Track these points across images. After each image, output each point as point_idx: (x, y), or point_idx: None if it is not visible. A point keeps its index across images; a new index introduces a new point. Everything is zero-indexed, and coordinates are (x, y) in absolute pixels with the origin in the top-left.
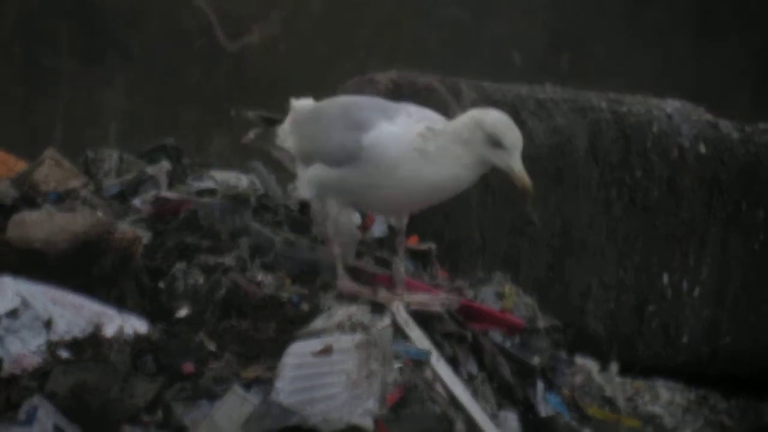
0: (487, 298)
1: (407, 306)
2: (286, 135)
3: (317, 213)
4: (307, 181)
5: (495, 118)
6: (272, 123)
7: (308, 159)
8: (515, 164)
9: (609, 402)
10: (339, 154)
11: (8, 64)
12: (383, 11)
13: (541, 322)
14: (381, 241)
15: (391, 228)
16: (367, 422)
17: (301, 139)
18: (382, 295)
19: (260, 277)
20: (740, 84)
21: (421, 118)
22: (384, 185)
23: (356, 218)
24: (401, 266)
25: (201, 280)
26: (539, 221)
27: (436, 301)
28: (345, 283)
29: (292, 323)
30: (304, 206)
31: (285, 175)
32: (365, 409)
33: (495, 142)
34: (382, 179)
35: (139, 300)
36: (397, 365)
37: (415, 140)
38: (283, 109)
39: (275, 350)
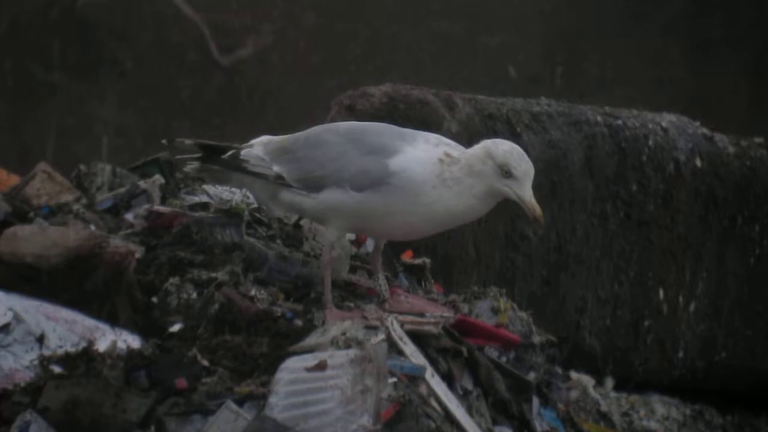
0: (482, 313)
1: (401, 325)
2: (266, 162)
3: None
4: (314, 205)
5: (506, 149)
6: (214, 150)
7: (314, 184)
8: (525, 194)
9: (604, 417)
10: (362, 179)
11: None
12: (376, 25)
13: (537, 337)
14: None
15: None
16: None
17: (301, 164)
18: (373, 314)
19: (253, 291)
20: (735, 98)
21: (438, 143)
22: (404, 211)
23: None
24: (383, 281)
25: (194, 294)
26: (534, 235)
27: (429, 318)
28: (333, 313)
29: (285, 338)
30: (298, 220)
31: None
32: (359, 424)
33: (506, 173)
34: (404, 204)
35: (132, 315)
36: (391, 381)
37: (435, 166)
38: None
39: (269, 366)
